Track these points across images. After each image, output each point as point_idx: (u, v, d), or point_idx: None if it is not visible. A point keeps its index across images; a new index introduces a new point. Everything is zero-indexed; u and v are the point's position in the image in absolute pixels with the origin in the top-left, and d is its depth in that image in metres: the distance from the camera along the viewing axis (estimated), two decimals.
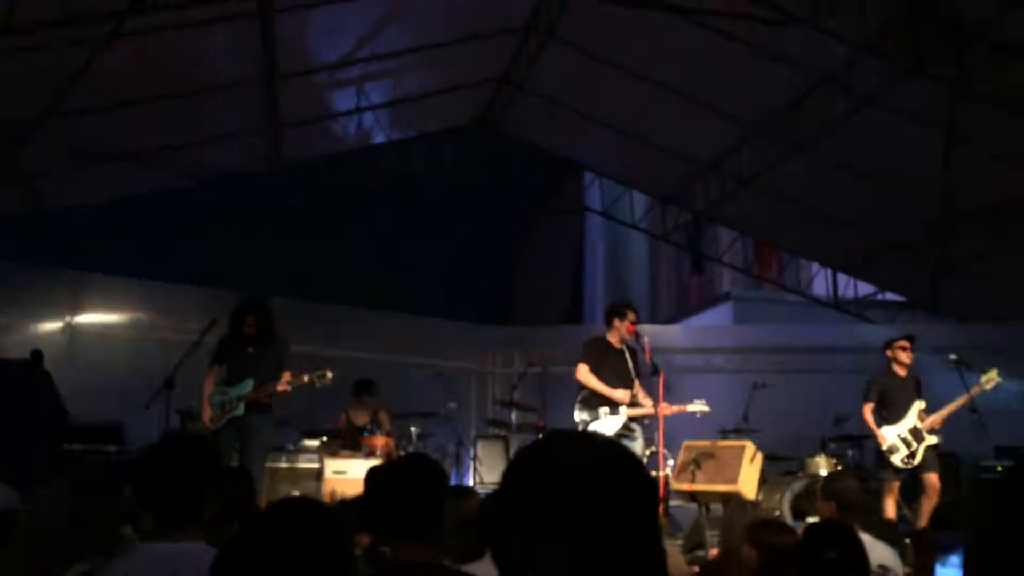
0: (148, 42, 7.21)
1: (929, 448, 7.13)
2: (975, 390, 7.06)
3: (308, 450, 8.13)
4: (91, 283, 9.75)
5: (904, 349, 7.40)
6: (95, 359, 9.11)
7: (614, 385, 6.88)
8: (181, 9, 6.56)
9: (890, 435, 7.21)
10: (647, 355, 6.98)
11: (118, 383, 8.24)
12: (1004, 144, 8.19)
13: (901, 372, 7.41)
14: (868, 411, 7.34)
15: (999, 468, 8.58)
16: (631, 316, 7.09)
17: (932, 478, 7.06)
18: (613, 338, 7.08)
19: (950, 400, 7.31)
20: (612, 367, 6.95)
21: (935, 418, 7.15)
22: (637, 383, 7.00)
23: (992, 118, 7.77)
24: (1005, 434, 9.00)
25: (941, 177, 8.51)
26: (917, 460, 7.10)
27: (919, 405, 7.25)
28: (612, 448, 1.34)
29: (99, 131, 8.39)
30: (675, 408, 6.90)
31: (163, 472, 2.60)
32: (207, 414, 6.40)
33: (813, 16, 7.06)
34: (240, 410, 6.32)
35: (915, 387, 7.37)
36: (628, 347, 7.08)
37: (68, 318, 9.51)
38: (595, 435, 1.42)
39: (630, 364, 7.00)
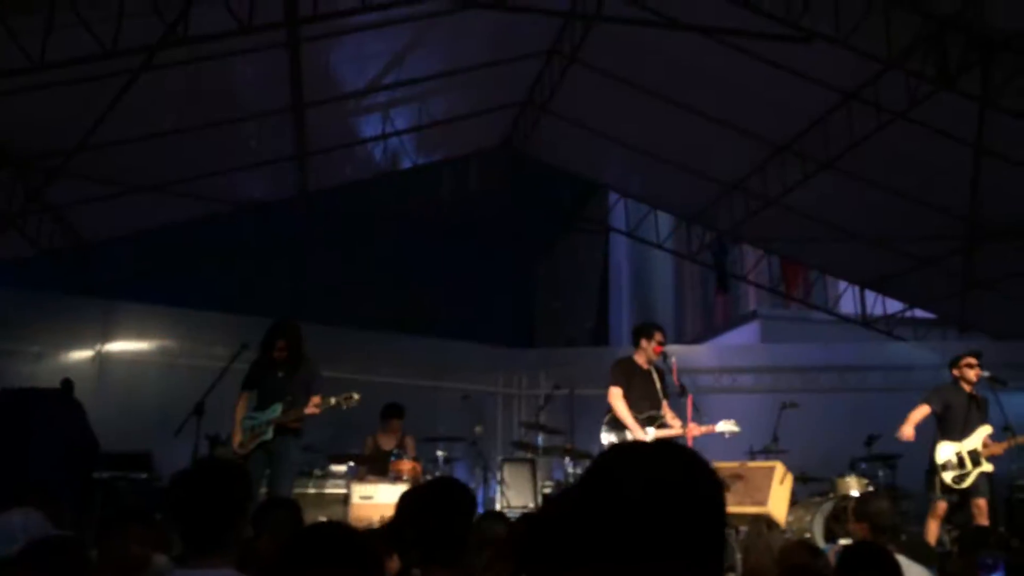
0: (177, 74, 7.35)
1: (983, 474, 6.93)
2: None
3: (335, 475, 8.14)
4: (121, 311, 9.88)
5: (971, 366, 7.16)
6: (125, 387, 9.22)
7: (640, 407, 6.84)
8: (210, 41, 6.66)
9: (947, 451, 6.99)
10: (675, 376, 6.93)
11: (148, 411, 8.32)
12: None
13: (967, 389, 7.16)
14: (920, 411, 7.09)
15: None
16: (658, 336, 7.04)
17: (981, 503, 6.84)
18: (640, 359, 7.04)
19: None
20: (639, 388, 6.91)
21: (998, 446, 6.92)
22: (665, 404, 6.95)
23: (1021, 133, 7.69)
24: None
25: (970, 193, 8.43)
26: (967, 483, 6.88)
27: (986, 429, 7.03)
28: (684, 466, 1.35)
29: (129, 162, 8.54)
30: (703, 429, 6.83)
31: (193, 499, 2.61)
32: (237, 439, 6.43)
33: (837, 33, 7.04)
34: (269, 434, 6.35)
35: (981, 408, 7.11)
36: (656, 368, 7.04)
37: (98, 347, 9.63)
38: (663, 451, 1.41)
39: (657, 385, 6.96)
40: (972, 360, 7.23)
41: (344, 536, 1.94)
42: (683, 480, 1.30)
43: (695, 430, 6.75)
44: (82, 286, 10.15)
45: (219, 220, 10.86)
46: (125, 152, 8.27)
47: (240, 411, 6.52)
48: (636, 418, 6.76)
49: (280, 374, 6.51)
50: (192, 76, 7.54)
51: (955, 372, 7.25)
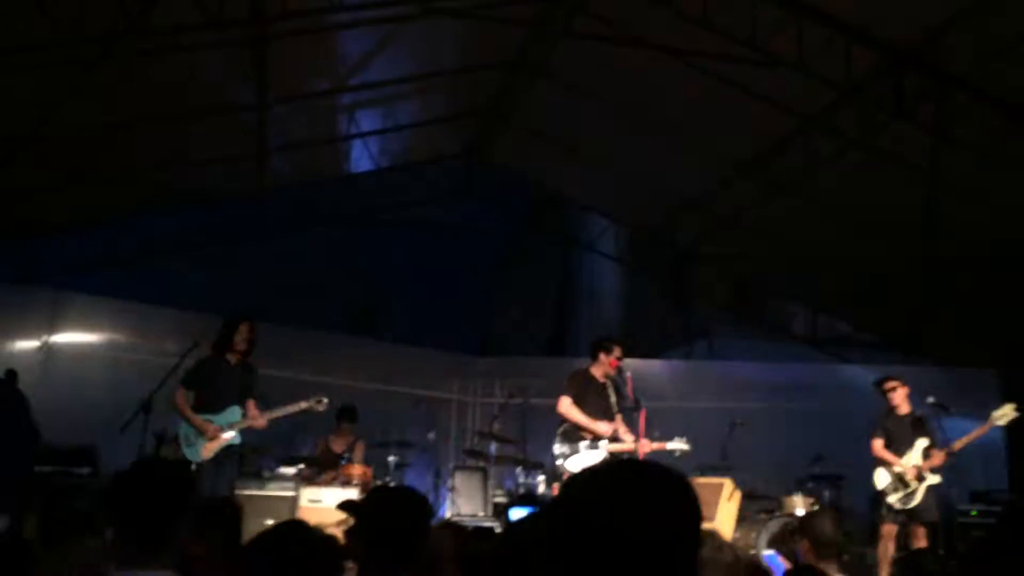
0: (139, 65, 7.23)
1: (930, 489, 7.00)
2: (988, 424, 6.95)
3: (283, 477, 8.03)
4: (70, 302, 9.65)
5: (894, 389, 7.31)
6: (71, 380, 9.00)
7: (595, 420, 6.86)
8: (174, 33, 6.58)
9: (883, 476, 7.12)
10: (629, 390, 6.96)
11: (94, 405, 8.14)
12: (984, 189, 8.32)
13: (902, 410, 7.28)
14: (877, 447, 7.21)
15: (974, 512, 8.60)
16: (616, 351, 7.07)
17: (920, 530, 6.93)
18: (597, 371, 7.07)
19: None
20: (594, 401, 6.93)
21: (938, 456, 6.99)
22: (619, 418, 6.98)
23: (973, 164, 7.90)
24: (981, 479, 9.06)
25: (922, 220, 8.63)
26: (916, 501, 6.96)
27: (923, 443, 7.11)
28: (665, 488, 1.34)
29: (84, 152, 8.38)
30: (655, 445, 6.87)
31: (135, 498, 2.56)
32: (211, 448, 6.17)
33: (800, 60, 7.18)
34: (237, 437, 6.24)
35: (919, 425, 7.21)
36: (611, 381, 7.07)
37: (45, 337, 9.41)
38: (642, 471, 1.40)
39: (612, 399, 6.98)
40: (892, 383, 7.37)
41: (306, 537, 1.94)
42: (661, 508, 1.29)
43: (647, 446, 6.79)
44: (30, 275, 9.91)
45: (175, 213, 10.69)
46: (81, 141, 8.11)
47: (186, 407, 6.27)
48: (591, 425, 6.79)
49: (232, 376, 6.35)
50: (154, 67, 7.42)
51: (886, 398, 7.37)
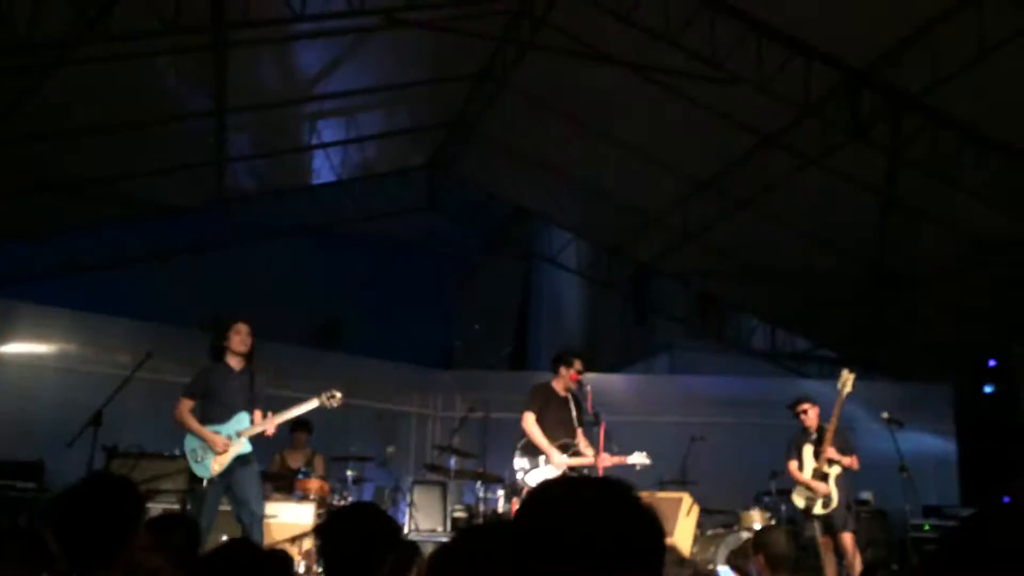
0: (95, 71, 7.11)
1: (841, 488, 7.07)
2: (840, 399, 7.10)
3: None
4: (18, 312, 9.40)
5: (804, 412, 7.39)
6: (19, 391, 8.76)
7: (556, 434, 6.85)
8: (131, 39, 6.47)
9: (797, 493, 7.24)
10: (589, 404, 6.96)
11: (42, 418, 7.94)
12: (937, 210, 8.49)
13: (812, 429, 7.36)
14: (791, 468, 7.34)
15: (927, 527, 8.73)
16: (577, 365, 7.05)
17: (847, 538, 6.97)
18: (558, 385, 7.05)
19: (883, 455, 7.44)
20: (555, 415, 6.90)
21: (827, 446, 7.05)
22: (580, 432, 6.97)
23: (926, 185, 8.06)
24: (933, 493, 9.19)
25: (876, 239, 8.78)
26: (833, 504, 7.00)
27: (809, 449, 7.24)
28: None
29: (38, 159, 8.21)
30: (615, 459, 6.86)
31: (82, 514, 2.49)
32: (221, 461, 5.74)
33: (759, 78, 7.27)
34: (247, 446, 5.80)
35: (821, 439, 7.24)
36: (572, 395, 7.06)
37: None
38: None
39: (573, 413, 6.97)
40: (803, 406, 7.43)
41: (254, 555, 1.89)
42: (624, 526, 1.29)
43: (607, 460, 6.78)
44: None
45: (132, 222, 10.50)
46: (34, 148, 7.95)
47: (192, 421, 5.82)
48: (547, 449, 6.77)
49: (235, 383, 5.92)
50: (111, 74, 7.30)
51: (799, 420, 7.44)
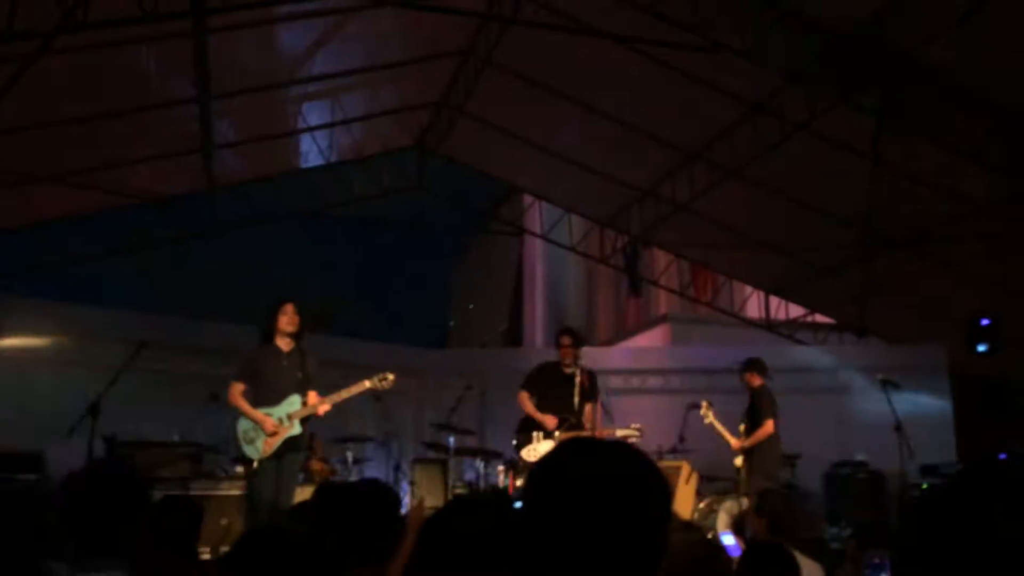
0: (79, 60, 7.05)
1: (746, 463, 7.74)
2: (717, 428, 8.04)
3: (237, 476, 7.92)
4: (12, 306, 9.38)
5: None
6: (16, 384, 8.76)
7: (552, 411, 6.90)
8: (113, 27, 6.40)
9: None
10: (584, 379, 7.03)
11: (40, 409, 7.94)
12: (927, 171, 8.49)
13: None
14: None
15: (924, 486, 8.80)
16: (562, 340, 7.18)
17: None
18: (562, 363, 7.16)
19: (879, 416, 7.58)
20: (555, 392, 7.00)
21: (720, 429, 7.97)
22: (589, 407, 7.00)
23: (915, 146, 8.06)
24: (930, 452, 9.25)
25: (867, 203, 8.79)
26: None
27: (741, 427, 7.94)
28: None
29: (25, 151, 8.14)
30: (606, 432, 6.93)
31: (86, 501, 2.51)
32: (271, 443, 5.78)
33: (744, 45, 7.25)
34: (297, 428, 5.85)
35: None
36: (584, 372, 7.09)
37: None
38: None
39: (576, 389, 6.98)
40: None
41: (286, 545, 1.93)
42: (636, 483, 1.31)
43: (601, 434, 6.84)
44: None
45: (120, 213, 10.44)
46: (20, 140, 7.88)
47: (243, 402, 5.88)
48: (538, 416, 6.90)
49: (285, 363, 5.95)
50: (94, 63, 7.23)
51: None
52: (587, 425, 6.92)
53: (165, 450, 7.47)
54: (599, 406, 6.92)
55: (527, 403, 6.96)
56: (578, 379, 7.01)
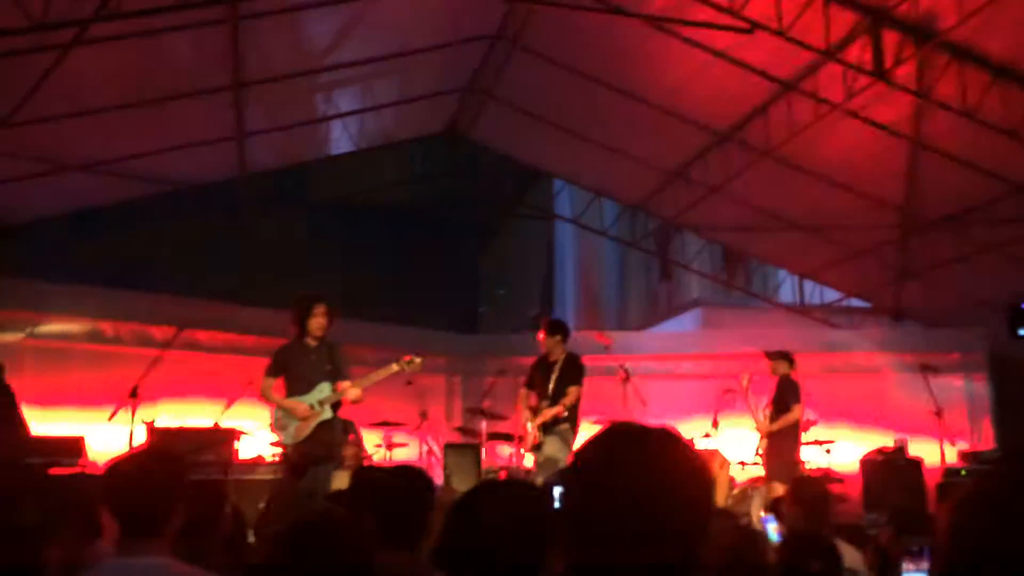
0: (113, 49, 7.11)
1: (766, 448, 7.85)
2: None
3: (275, 462, 8.01)
4: (52, 294, 9.54)
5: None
6: (57, 371, 8.93)
7: (534, 394, 7.32)
8: (146, 16, 6.46)
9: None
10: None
11: (80, 394, 8.09)
12: (965, 151, 8.33)
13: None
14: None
15: (963, 472, 8.68)
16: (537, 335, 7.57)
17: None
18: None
19: (917, 402, 7.48)
20: (537, 380, 7.35)
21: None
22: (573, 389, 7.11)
23: (954, 126, 7.90)
24: (969, 438, 9.13)
25: (904, 184, 8.64)
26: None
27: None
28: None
29: (61, 140, 8.26)
30: (550, 412, 7.08)
31: (129, 486, 2.55)
32: (304, 428, 5.89)
33: (778, 24, 7.13)
34: (328, 412, 5.93)
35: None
36: (566, 358, 7.34)
37: (29, 329, 9.31)
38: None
39: (553, 376, 7.20)
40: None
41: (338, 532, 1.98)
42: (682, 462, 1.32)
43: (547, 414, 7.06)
44: (12, 266, 9.79)
45: (156, 200, 10.58)
46: (57, 129, 7.99)
47: (273, 394, 6.00)
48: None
49: (312, 357, 6.02)
50: (128, 51, 7.30)
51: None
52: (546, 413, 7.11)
53: (204, 435, 7.57)
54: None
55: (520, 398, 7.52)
56: (557, 368, 7.24)
